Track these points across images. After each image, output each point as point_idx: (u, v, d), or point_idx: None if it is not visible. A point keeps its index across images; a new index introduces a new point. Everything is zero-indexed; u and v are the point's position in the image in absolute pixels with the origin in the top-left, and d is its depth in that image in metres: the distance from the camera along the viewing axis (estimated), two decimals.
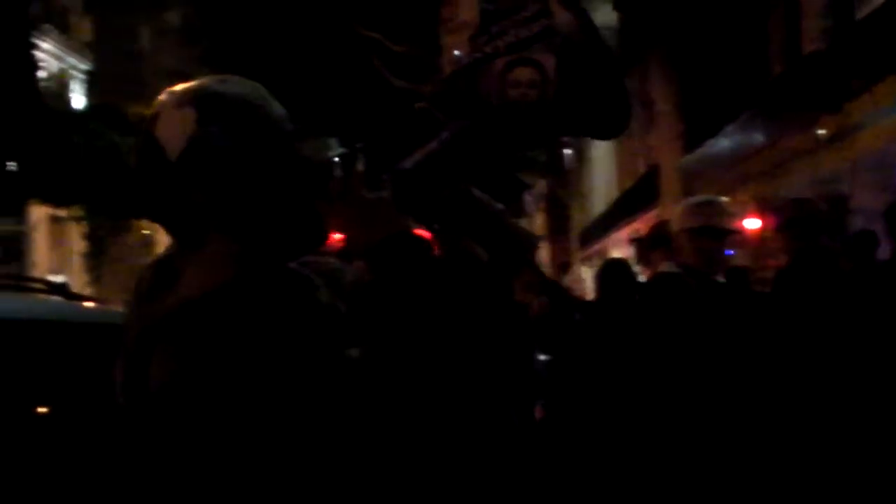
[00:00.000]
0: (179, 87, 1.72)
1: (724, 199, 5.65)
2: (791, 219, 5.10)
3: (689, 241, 4.72)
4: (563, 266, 32.73)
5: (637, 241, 6.30)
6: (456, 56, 2.23)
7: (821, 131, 12.77)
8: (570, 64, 1.97)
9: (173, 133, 1.65)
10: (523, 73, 1.92)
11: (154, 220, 1.74)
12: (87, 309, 3.84)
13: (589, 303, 7.52)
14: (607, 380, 5.09)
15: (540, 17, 1.96)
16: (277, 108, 1.76)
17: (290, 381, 1.53)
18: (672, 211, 5.03)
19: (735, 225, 4.98)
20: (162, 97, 1.71)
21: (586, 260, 37.12)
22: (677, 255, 4.85)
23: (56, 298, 3.80)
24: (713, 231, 4.72)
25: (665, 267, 4.85)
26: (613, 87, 2.21)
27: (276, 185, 1.71)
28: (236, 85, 1.74)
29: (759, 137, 15.53)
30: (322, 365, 1.57)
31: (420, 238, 1.94)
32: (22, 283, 4.21)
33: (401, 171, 1.93)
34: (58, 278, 34.18)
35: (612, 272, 6.02)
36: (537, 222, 50.48)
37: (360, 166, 1.91)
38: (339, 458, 1.56)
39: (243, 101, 1.71)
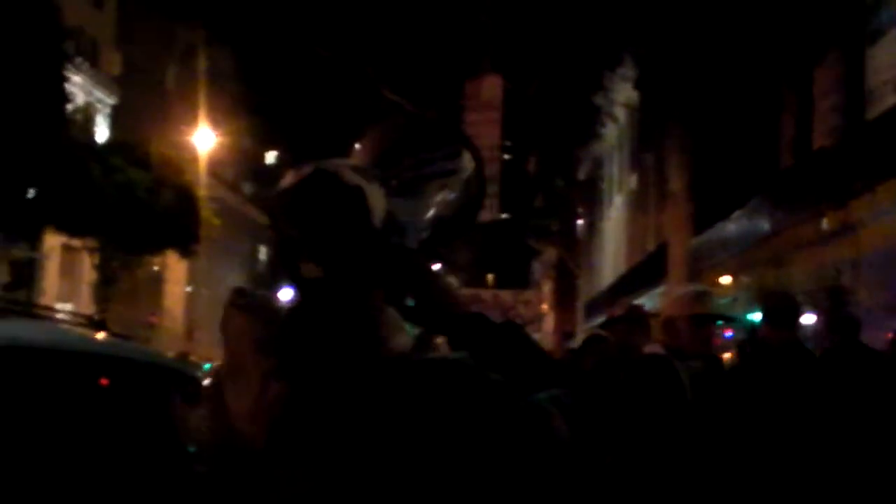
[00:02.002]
0: (348, 164, 2.02)
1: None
2: (771, 308, 5.41)
3: (689, 326, 5.00)
4: (567, 334, 32.86)
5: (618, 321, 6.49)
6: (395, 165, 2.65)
7: (825, 225, 13.04)
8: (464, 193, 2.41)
9: (379, 204, 1.96)
10: (445, 196, 2.34)
11: (327, 267, 1.96)
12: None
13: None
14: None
15: (456, 156, 2.40)
16: None
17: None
18: (668, 297, 5.31)
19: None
20: (344, 170, 2.00)
21: (590, 331, 37.23)
22: (672, 339, 5.06)
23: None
24: (712, 318, 5.10)
25: (653, 349, 5.09)
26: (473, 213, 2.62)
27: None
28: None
29: (765, 225, 15.81)
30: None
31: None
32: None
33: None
34: (66, 307, 34.42)
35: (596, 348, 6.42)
36: (545, 290, 50.77)
37: None
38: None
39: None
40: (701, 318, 5.05)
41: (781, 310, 5.39)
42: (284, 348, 1.97)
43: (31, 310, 4.56)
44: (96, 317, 4.70)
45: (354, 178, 1.96)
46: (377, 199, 1.95)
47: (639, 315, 5.90)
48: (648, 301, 19.08)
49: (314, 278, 1.95)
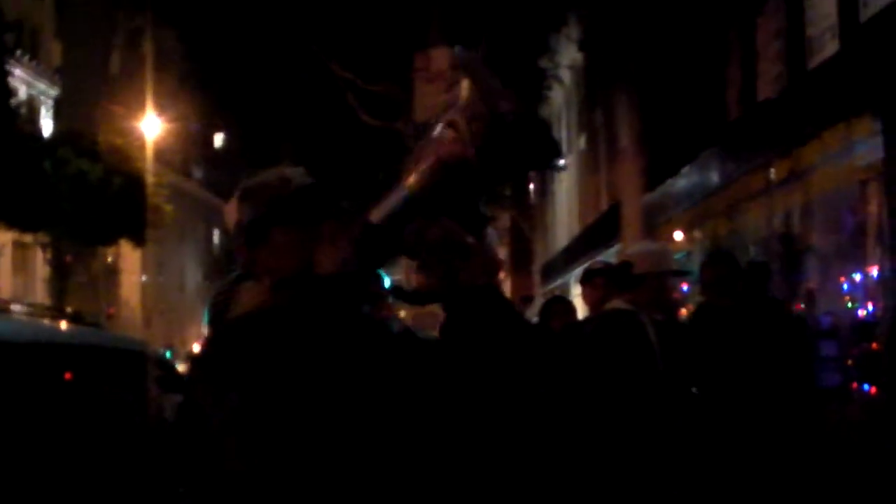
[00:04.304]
0: (278, 174, 2.44)
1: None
2: (709, 282, 5.87)
3: (660, 282, 5.11)
4: (526, 299, 33.07)
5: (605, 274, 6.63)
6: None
7: (773, 174, 13.23)
8: (475, 120, 2.17)
9: (229, 218, 2.43)
10: (445, 134, 2.19)
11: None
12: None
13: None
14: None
15: (453, 86, 2.28)
16: (299, 181, 2.40)
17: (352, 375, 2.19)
18: (641, 253, 5.32)
19: None
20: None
21: (549, 294, 37.44)
22: (639, 295, 5.11)
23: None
24: (684, 273, 5.41)
25: (618, 304, 5.16)
26: (530, 126, 2.26)
27: (290, 240, 2.34)
28: (269, 176, 2.45)
29: (715, 178, 16.00)
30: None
31: None
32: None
33: (370, 226, 2.26)
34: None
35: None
36: (500, 256, 51.01)
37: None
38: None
39: (265, 186, 2.40)
40: (673, 275, 5.28)
41: (719, 280, 5.86)
42: None
43: None
44: (68, 310, 4.75)
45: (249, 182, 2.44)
46: (230, 214, 2.39)
47: (619, 270, 5.98)
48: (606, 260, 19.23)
49: None
